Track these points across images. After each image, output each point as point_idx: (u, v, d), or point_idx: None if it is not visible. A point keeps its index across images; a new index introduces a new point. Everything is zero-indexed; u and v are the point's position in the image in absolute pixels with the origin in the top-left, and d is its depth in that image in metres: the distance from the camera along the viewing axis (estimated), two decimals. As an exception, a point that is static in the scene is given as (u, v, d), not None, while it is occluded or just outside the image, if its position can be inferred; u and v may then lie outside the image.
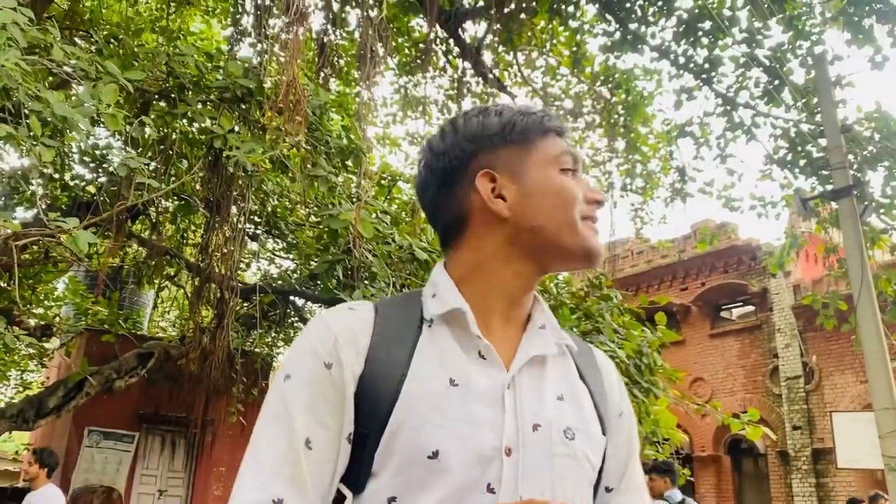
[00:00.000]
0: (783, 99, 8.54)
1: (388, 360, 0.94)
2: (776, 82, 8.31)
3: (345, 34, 8.35)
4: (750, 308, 17.81)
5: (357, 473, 0.92)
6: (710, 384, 17.37)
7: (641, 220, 10.52)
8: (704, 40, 8.32)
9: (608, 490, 1.08)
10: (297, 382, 0.93)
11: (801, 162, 8.87)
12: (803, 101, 8.71)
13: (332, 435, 0.91)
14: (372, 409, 0.91)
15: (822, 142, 8.61)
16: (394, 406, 0.90)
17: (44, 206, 5.00)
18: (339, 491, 0.93)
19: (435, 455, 0.88)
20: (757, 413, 5.97)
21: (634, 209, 10.47)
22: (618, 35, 8.51)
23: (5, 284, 6.03)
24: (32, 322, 7.43)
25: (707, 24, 8.14)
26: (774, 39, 10.77)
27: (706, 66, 8.47)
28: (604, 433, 1.03)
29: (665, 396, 5.84)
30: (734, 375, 17.16)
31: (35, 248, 6.74)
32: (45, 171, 5.99)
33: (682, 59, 8.55)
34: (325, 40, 7.03)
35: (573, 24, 9.01)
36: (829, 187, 8.56)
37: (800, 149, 8.81)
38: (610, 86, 9.54)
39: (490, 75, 9.10)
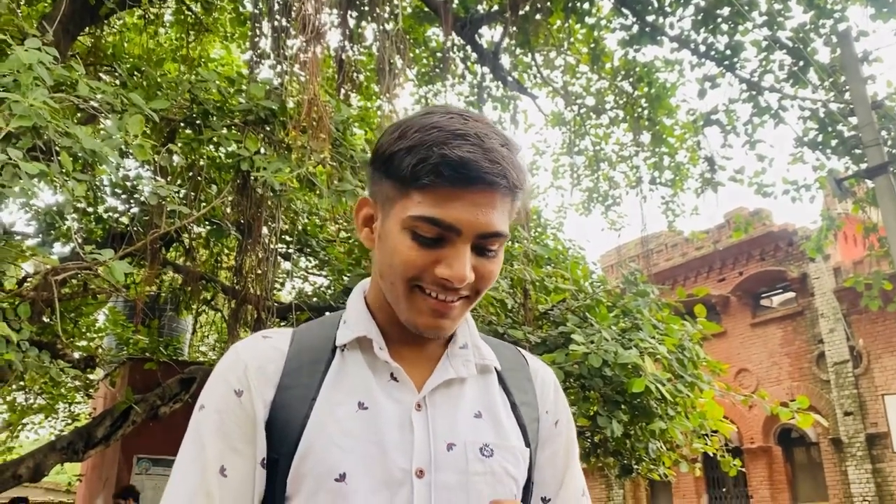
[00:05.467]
0: (809, 80, 8.39)
1: (298, 386, 0.95)
2: (801, 63, 8.17)
3: (362, 49, 8.40)
4: (790, 294, 17.52)
5: (272, 499, 0.92)
6: (754, 374, 17.10)
7: (673, 213, 10.41)
8: (724, 27, 8.21)
9: (545, 500, 1.07)
10: (210, 411, 0.94)
11: (833, 142, 8.71)
12: (830, 80, 8.55)
13: (247, 461, 0.92)
14: (282, 434, 0.92)
15: (853, 120, 8.44)
16: (303, 431, 0.91)
17: (79, 240, 5.09)
18: None
19: (342, 477, 0.88)
20: (806, 400, 5.84)
21: (665, 202, 10.37)
22: (635, 28, 8.44)
23: (48, 319, 6.14)
24: (76, 354, 7.54)
25: (726, 10, 8.04)
26: (796, 20, 10.63)
27: (728, 52, 8.36)
28: (528, 444, 1.01)
29: (710, 389, 5.74)
30: (779, 364, 16.88)
31: (74, 281, 6.86)
32: (78, 205, 6.10)
33: (702, 48, 8.45)
34: (344, 56, 7.07)
35: (589, 20, 8.96)
36: (864, 166, 8.39)
37: (830, 129, 8.64)
38: (631, 80, 9.46)
39: (509, 78, 9.08)
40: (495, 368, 1.06)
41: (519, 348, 1.15)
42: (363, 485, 0.88)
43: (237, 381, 0.95)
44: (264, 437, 0.92)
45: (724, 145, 9.68)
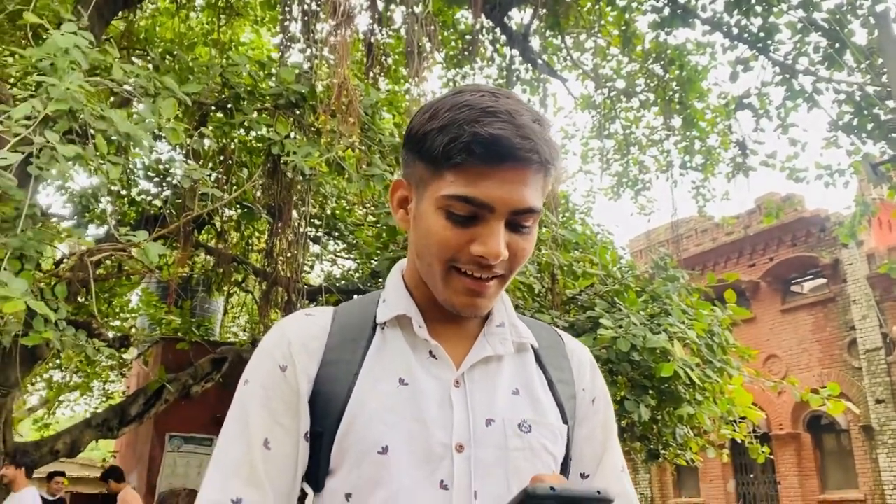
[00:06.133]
0: (845, 62, 8.20)
1: (340, 361, 0.97)
2: (837, 45, 7.99)
3: (391, 32, 8.39)
4: (822, 281, 17.25)
5: (316, 471, 0.95)
6: (784, 361, 16.91)
7: (703, 198, 10.29)
8: (758, 8, 8.05)
9: (584, 476, 1.08)
10: (254, 385, 0.97)
11: (869, 126, 8.52)
12: (867, 62, 8.36)
13: (291, 434, 0.95)
14: (326, 408, 0.94)
15: (890, 103, 8.26)
16: (346, 405, 0.93)
17: (114, 222, 5.18)
18: (302, 489, 0.97)
19: (384, 451, 0.90)
20: (837, 387, 5.78)
21: (695, 186, 10.24)
22: (667, 10, 8.31)
23: (83, 299, 6.27)
24: (111, 334, 7.69)
25: (760, -8, 7.89)
26: (832, 1, 10.36)
27: (761, 34, 8.20)
28: (565, 421, 1.03)
29: (739, 375, 5.70)
30: (809, 350, 16.66)
31: (108, 262, 6.99)
32: (113, 187, 6.20)
33: (735, 30, 8.30)
34: (373, 40, 7.07)
35: (620, 2, 8.85)
36: (901, 150, 8.22)
37: (866, 112, 8.45)
38: (662, 63, 9.34)
39: (539, 61, 9.02)
40: (532, 346, 1.07)
41: (554, 328, 1.16)
42: (405, 459, 0.90)
43: (282, 356, 0.97)
44: (308, 411, 0.95)
45: (756, 129, 9.48)
